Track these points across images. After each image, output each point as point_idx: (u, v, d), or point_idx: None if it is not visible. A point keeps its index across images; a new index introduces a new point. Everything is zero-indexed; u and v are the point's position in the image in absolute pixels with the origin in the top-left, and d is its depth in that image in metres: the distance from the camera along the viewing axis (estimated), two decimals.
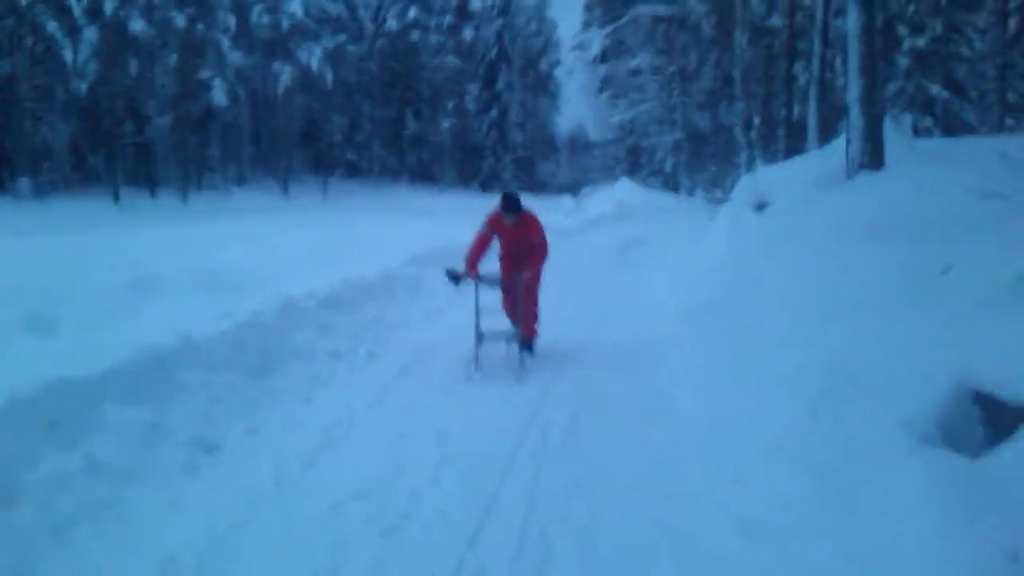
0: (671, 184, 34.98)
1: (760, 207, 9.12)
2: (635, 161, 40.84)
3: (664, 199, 28.93)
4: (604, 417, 5.32)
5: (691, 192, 31.99)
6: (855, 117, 7.46)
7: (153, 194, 36.95)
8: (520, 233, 7.05)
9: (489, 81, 50.37)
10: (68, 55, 33.67)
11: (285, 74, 42.47)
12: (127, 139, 36.36)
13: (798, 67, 16.18)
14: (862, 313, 4.62)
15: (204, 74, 39.28)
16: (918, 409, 3.37)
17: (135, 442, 4.32)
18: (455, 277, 6.78)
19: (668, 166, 35.89)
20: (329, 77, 44.13)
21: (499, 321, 7.18)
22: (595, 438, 4.94)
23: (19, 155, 32.51)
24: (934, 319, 3.93)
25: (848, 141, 7.69)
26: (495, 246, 7.25)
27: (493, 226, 7.09)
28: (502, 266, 7.35)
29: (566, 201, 30.58)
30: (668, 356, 6.87)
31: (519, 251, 7.14)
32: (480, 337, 6.73)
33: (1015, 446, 2.92)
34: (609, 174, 42.67)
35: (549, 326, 7.66)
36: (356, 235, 15.46)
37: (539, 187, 49.21)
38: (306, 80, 43.83)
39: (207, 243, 14.95)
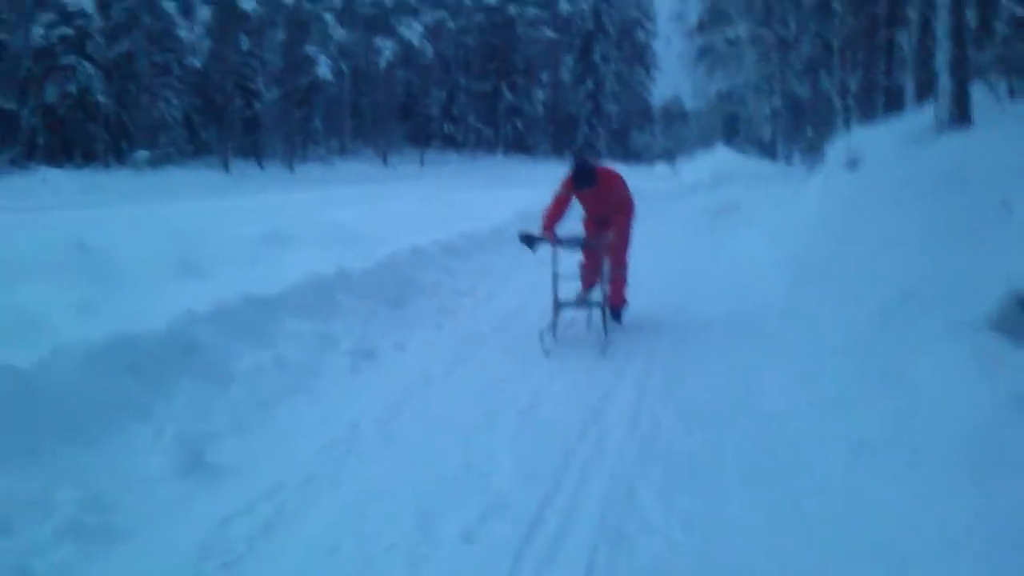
0: (768, 151, 34.76)
1: (852, 165, 9.56)
2: (732, 130, 40.66)
3: (761, 165, 28.96)
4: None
5: (789, 159, 31.78)
6: (944, 80, 7.87)
7: (261, 165, 38.94)
8: (601, 193, 6.41)
9: (585, 52, 50.64)
10: (183, 33, 35.78)
11: (387, 49, 43.78)
12: (237, 113, 38.34)
13: (900, 35, 16.16)
14: (926, 244, 5.19)
15: (309, 50, 40.90)
16: (970, 314, 3.96)
17: (310, 347, 5.30)
18: (530, 240, 6.16)
19: (766, 134, 35.64)
20: (429, 51, 45.29)
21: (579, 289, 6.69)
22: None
23: (137, 128, 34.74)
24: (991, 245, 4.48)
25: (936, 102, 8.10)
26: (577, 208, 6.63)
27: (570, 187, 6.42)
28: (585, 228, 6.78)
29: (661, 168, 30.82)
30: (766, 326, 6.39)
31: (602, 212, 6.56)
32: (558, 305, 6.16)
33: None
34: (705, 144, 42.54)
35: (641, 291, 7.34)
36: (456, 201, 16.36)
37: (634, 157, 49.35)
38: (406, 55, 45.10)
39: (320, 207, 16.11)
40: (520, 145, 51.67)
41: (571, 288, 6.50)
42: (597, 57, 50.46)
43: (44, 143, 30.95)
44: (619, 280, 6.63)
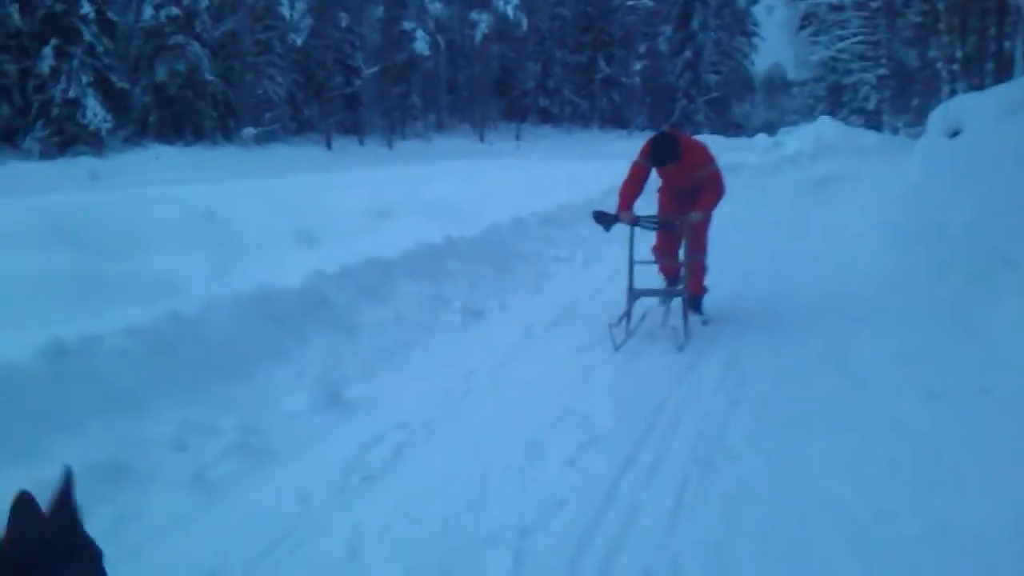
0: (873, 123, 33.69)
1: (953, 134, 9.42)
2: (836, 100, 39.38)
3: (865, 137, 28.06)
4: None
5: (895, 131, 30.76)
6: None
7: (361, 141, 40.05)
8: (683, 165, 5.66)
9: (683, 21, 49.73)
10: (285, 11, 36.98)
11: (483, 22, 44.14)
12: (337, 90, 39.45)
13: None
14: (1014, 207, 5.30)
15: (407, 25, 41.63)
16: None
17: (424, 305, 5.81)
18: (606, 220, 5.64)
19: (871, 104, 34.53)
20: (524, 24, 45.45)
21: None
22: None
23: (243, 106, 36.11)
24: None
25: None
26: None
27: (648, 155, 5.72)
28: (661, 204, 6.13)
29: (762, 140, 30.26)
30: (860, 291, 6.47)
31: (684, 187, 5.84)
32: (634, 294, 5.58)
33: None
34: (808, 114, 41.37)
35: (741, 258, 7.45)
36: (553, 174, 16.67)
37: (733, 128, 48.41)
38: (502, 28, 45.38)
39: (421, 181, 16.73)
40: (616, 118, 51.36)
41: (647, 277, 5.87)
42: (696, 26, 49.51)
43: (155, 121, 32.27)
44: (698, 266, 5.98)
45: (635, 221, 5.64)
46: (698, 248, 5.90)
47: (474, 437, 3.76)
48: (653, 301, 6.02)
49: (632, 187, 5.71)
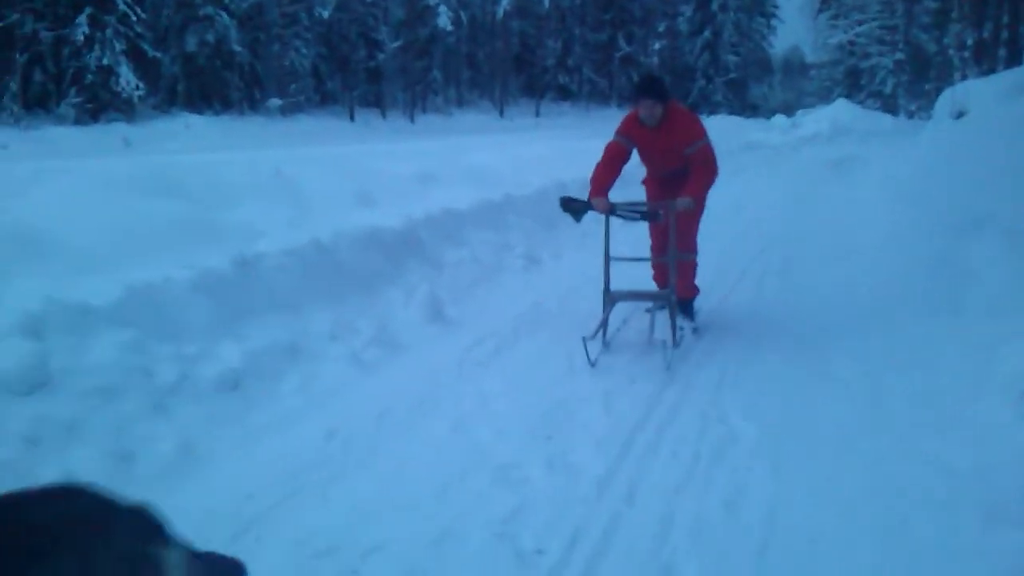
0: (890, 107, 34.36)
1: (958, 116, 10.30)
2: (853, 83, 40.00)
3: (881, 120, 28.77)
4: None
5: (910, 114, 31.46)
6: None
7: (384, 114, 40.89)
8: (669, 140, 4.79)
9: (703, 2, 50.19)
10: None
11: None
12: (361, 63, 40.23)
13: None
14: (1004, 180, 6.21)
15: (430, 0, 42.31)
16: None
17: (492, 250, 6.82)
18: (575, 208, 4.84)
19: (888, 88, 35.20)
20: (546, 1, 46.05)
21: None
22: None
23: (269, 77, 36.90)
24: None
25: None
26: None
27: (629, 131, 4.92)
28: (648, 196, 5.28)
29: (780, 120, 30.98)
30: (867, 247, 7.59)
31: (670, 168, 4.95)
32: (611, 299, 4.81)
33: None
34: (825, 97, 41.97)
35: (764, 224, 8.72)
36: (578, 147, 17.56)
37: (751, 109, 48.99)
38: (523, 4, 45.99)
39: (454, 152, 17.65)
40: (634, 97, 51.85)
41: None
42: (715, 6, 49.96)
43: (184, 90, 33.15)
44: (687, 267, 5.15)
45: (610, 209, 4.80)
46: (687, 244, 5.03)
47: (551, 339, 4.77)
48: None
49: (607, 170, 4.91)
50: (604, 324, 4.72)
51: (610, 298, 4.80)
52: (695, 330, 5.17)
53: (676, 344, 4.65)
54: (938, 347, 4.34)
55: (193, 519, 2.71)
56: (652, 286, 5.35)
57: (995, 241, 5.08)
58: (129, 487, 2.39)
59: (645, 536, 2.66)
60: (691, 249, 5.13)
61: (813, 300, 5.89)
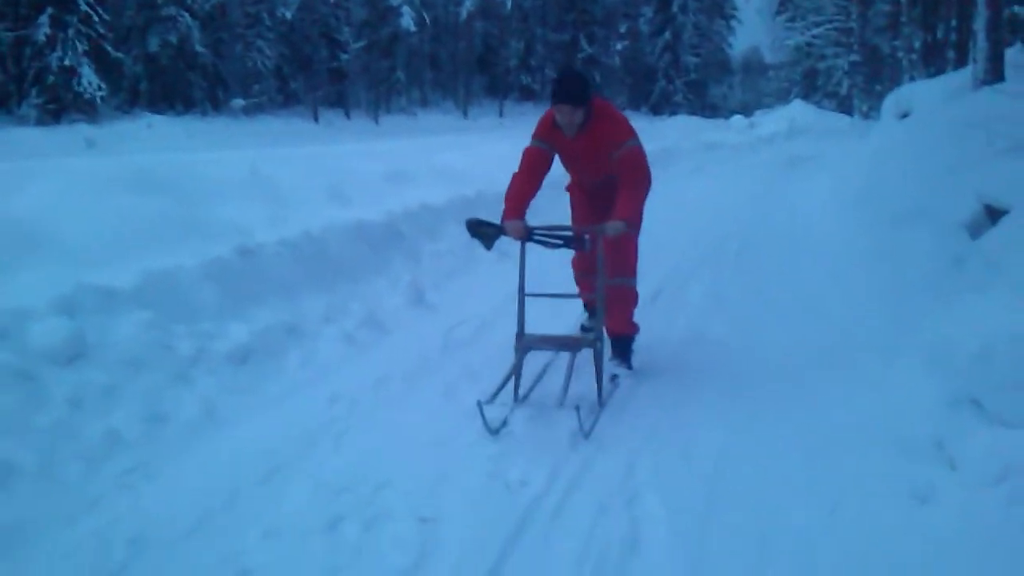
0: (845, 107, 35.39)
1: (903, 116, 10.98)
2: (810, 84, 41.08)
3: (836, 120, 29.76)
4: None
5: (865, 115, 32.46)
6: (980, 42, 9.24)
7: (347, 115, 41.00)
8: (595, 144, 4.07)
9: (664, 3, 50.99)
10: None
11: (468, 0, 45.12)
12: (324, 63, 40.31)
13: None
14: (938, 174, 6.78)
15: (393, 0, 42.49)
16: (951, 220, 5.63)
17: (468, 244, 7.16)
18: (486, 233, 4.14)
19: (843, 89, 36.23)
20: (508, 2, 46.47)
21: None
22: None
23: (232, 77, 36.78)
24: (976, 169, 6.05)
25: (975, 61, 9.49)
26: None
27: (547, 135, 4.17)
28: (573, 205, 4.69)
29: (738, 121, 31.82)
30: (813, 237, 8.84)
31: (598, 177, 4.27)
32: (524, 344, 3.98)
33: (997, 230, 5.13)
34: (783, 97, 43.01)
35: (726, 218, 9.44)
36: None
37: (710, 109, 49.94)
38: (486, 5, 46.34)
39: (422, 152, 18.02)
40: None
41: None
42: (676, 8, 50.84)
43: (146, 90, 33.01)
44: (625, 295, 4.34)
45: (526, 235, 4.11)
46: (622, 269, 4.24)
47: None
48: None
49: (525, 182, 4.20)
50: (517, 375, 3.87)
51: (522, 344, 3.94)
52: (630, 368, 4.34)
53: (602, 402, 3.83)
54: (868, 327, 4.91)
55: (226, 468, 3.15)
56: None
57: (925, 232, 5.64)
58: (166, 444, 2.87)
59: (615, 475, 3.14)
60: (629, 274, 4.30)
61: (758, 301, 6.05)
